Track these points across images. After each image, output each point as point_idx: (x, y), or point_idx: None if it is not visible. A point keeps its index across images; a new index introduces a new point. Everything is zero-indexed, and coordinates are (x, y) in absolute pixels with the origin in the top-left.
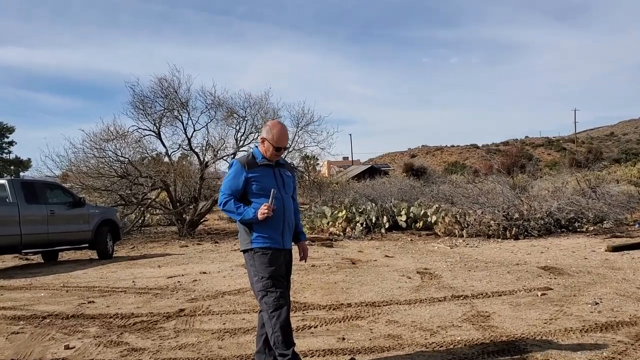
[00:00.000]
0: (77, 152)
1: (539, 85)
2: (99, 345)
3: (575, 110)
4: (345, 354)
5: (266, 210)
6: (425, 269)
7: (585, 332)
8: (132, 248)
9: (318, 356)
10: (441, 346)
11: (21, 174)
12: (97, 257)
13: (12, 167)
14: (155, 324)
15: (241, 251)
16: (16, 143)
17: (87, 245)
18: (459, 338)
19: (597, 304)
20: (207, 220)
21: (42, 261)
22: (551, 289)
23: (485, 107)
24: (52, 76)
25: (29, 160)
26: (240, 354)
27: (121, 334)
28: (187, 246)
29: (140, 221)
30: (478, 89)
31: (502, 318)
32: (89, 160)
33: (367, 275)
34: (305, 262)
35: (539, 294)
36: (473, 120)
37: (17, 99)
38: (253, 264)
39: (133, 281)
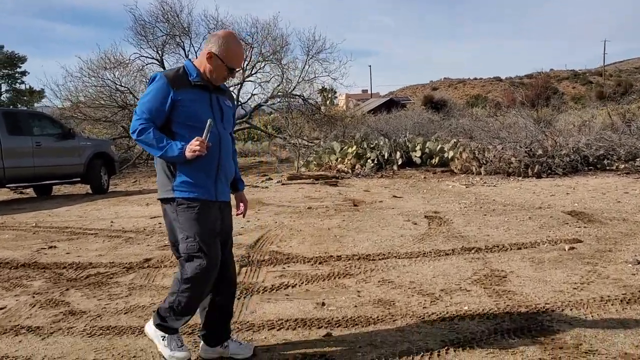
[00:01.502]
0: (74, 81)
1: (567, 17)
2: (34, 306)
3: (604, 41)
4: (321, 327)
5: (198, 147)
6: (435, 212)
7: (627, 302)
8: (134, 182)
9: (287, 328)
10: (442, 319)
11: (36, 104)
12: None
13: (25, 98)
14: (111, 278)
15: (159, 200)
16: (29, 73)
17: (79, 179)
18: (466, 308)
19: (639, 262)
20: None
21: (35, 195)
22: (581, 242)
23: (510, 40)
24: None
25: (42, 90)
26: (195, 323)
27: (66, 290)
28: None
29: (145, 154)
30: (504, 21)
31: (522, 280)
32: (88, 90)
33: (367, 220)
34: (244, 217)
35: (566, 247)
36: (497, 53)
37: (30, 28)
38: (176, 219)
39: (112, 221)
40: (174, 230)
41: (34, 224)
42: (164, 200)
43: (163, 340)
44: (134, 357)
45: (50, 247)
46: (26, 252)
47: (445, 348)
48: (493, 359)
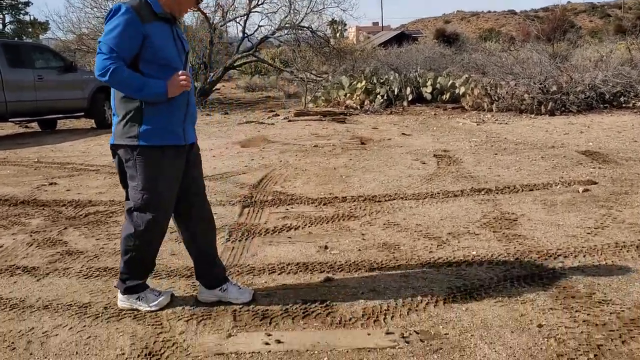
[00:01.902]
0: (76, 12)
1: None
2: (32, 245)
3: None
4: (323, 271)
5: (185, 82)
6: (445, 151)
7: None
8: None
9: (288, 272)
10: (449, 264)
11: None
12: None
13: (29, 30)
14: (110, 217)
15: (112, 147)
16: (32, 3)
17: (82, 114)
18: (474, 253)
19: None
20: (219, 90)
21: (40, 130)
22: (595, 183)
23: None
24: None
25: (47, 22)
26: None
27: (65, 229)
28: None
29: None
30: None
31: (533, 224)
32: (90, 21)
33: (375, 160)
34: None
35: (580, 189)
36: None
37: None
38: (134, 167)
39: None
40: (131, 177)
41: (36, 160)
42: (118, 147)
43: (140, 300)
44: None
45: (51, 183)
46: (26, 189)
47: (452, 295)
48: (501, 307)
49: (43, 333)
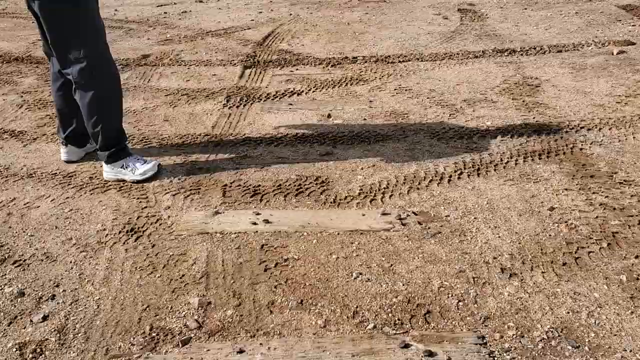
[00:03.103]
0: None
1: None
2: (21, 107)
3: None
4: (323, 144)
5: None
6: (470, 4)
7: None
8: None
9: (285, 144)
10: (460, 136)
11: None
12: None
13: None
14: None
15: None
16: None
17: None
18: (488, 123)
19: None
20: None
21: None
22: (633, 44)
23: None
24: None
25: None
26: (187, 134)
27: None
28: None
29: None
30: None
31: (557, 91)
32: None
33: (393, 14)
34: None
35: (615, 51)
36: None
37: None
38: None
39: (116, 9)
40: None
41: None
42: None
43: (125, 169)
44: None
45: None
46: (22, 44)
47: (458, 172)
48: (511, 187)
49: (25, 205)
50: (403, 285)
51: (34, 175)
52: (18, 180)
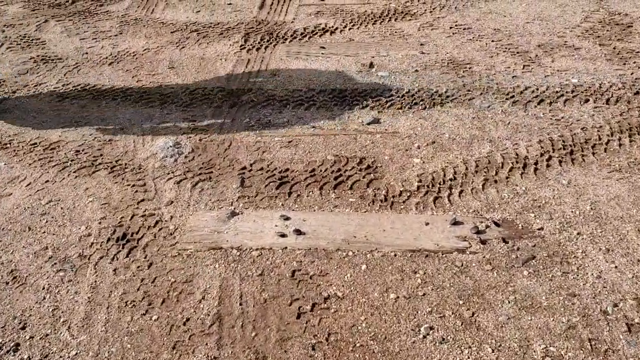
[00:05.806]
0: None
1: None
2: (2, 45)
3: None
4: (366, 105)
5: None
6: None
7: None
8: None
9: (317, 107)
10: (540, 100)
11: None
12: None
13: None
14: (101, 5)
15: None
16: None
17: None
18: (574, 81)
19: None
20: None
21: None
22: None
23: None
24: None
25: None
26: (197, 88)
27: (45, 22)
28: None
29: None
30: None
31: None
32: None
33: None
34: None
35: None
36: None
37: None
38: None
39: None
40: None
41: None
42: None
43: None
44: (114, 128)
45: None
46: None
47: (546, 157)
48: (619, 182)
49: None
50: (492, 351)
51: (8, 145)
52: None
